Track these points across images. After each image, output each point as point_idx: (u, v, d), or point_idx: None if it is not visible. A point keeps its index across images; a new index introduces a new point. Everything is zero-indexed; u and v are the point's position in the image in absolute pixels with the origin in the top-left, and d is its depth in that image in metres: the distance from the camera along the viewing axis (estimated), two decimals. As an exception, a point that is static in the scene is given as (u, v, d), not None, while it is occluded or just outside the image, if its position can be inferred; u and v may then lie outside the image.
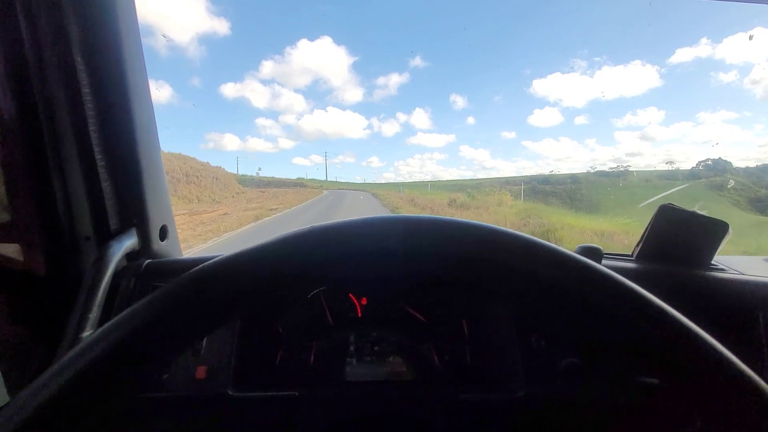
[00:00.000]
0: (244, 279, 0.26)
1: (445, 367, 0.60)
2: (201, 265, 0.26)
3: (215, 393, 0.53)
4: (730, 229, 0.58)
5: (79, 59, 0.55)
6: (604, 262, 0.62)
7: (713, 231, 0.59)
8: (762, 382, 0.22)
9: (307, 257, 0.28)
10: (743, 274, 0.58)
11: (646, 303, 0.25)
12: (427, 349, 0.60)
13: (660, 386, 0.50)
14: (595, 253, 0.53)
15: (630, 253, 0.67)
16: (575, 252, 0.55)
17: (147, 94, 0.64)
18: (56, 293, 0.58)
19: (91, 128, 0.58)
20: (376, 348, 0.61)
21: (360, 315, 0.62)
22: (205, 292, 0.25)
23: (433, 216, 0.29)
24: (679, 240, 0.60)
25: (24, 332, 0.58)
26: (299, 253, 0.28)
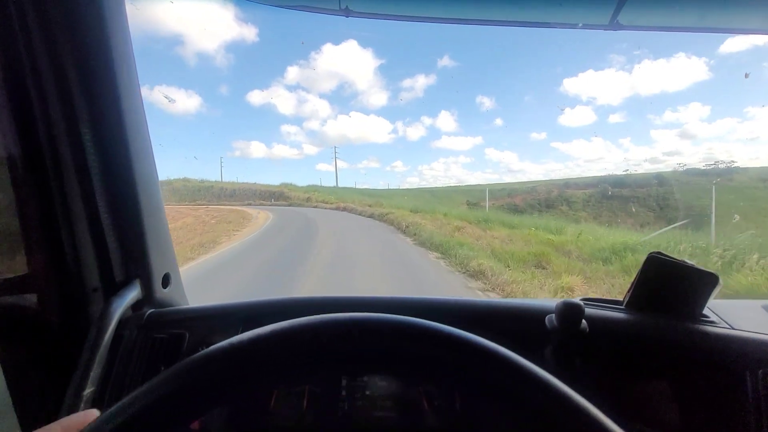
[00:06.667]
0: (242, 367, 0.29)
1: (434, 414, 0.61)
2: (189, 358, 0.28)
3: None
4: (720, 280, 0.57)
5: (85, 120, 0.60)
6: (591, 310, 0.62)
7: (702, 282, 0.58)
8: None
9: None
10: (732, 329, 0.57)
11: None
12: (418, 395, 0.61)
13: None
14: (576, 310, 0.53)
15: (621, 300, 0.66)
16: (558, 306, 0.54)
17: (149, 147, 0.69)
18: (66, 342, 0.62)
19: (95, 185, 0.62)
20: (367, 392, 0.62)
21: None
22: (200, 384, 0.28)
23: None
24: (669, 290, 0.60)
25: (36, 379, 0.62)
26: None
